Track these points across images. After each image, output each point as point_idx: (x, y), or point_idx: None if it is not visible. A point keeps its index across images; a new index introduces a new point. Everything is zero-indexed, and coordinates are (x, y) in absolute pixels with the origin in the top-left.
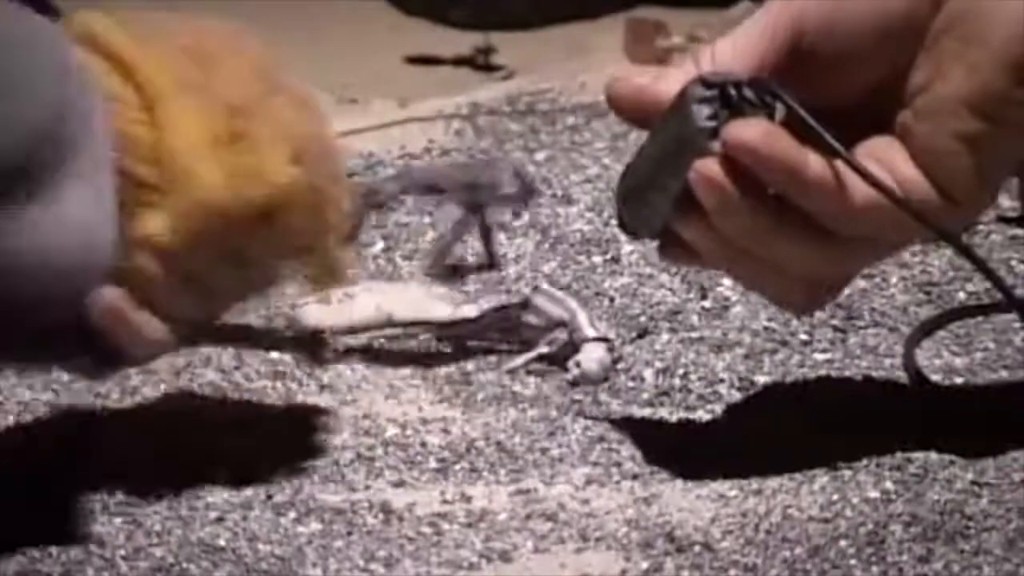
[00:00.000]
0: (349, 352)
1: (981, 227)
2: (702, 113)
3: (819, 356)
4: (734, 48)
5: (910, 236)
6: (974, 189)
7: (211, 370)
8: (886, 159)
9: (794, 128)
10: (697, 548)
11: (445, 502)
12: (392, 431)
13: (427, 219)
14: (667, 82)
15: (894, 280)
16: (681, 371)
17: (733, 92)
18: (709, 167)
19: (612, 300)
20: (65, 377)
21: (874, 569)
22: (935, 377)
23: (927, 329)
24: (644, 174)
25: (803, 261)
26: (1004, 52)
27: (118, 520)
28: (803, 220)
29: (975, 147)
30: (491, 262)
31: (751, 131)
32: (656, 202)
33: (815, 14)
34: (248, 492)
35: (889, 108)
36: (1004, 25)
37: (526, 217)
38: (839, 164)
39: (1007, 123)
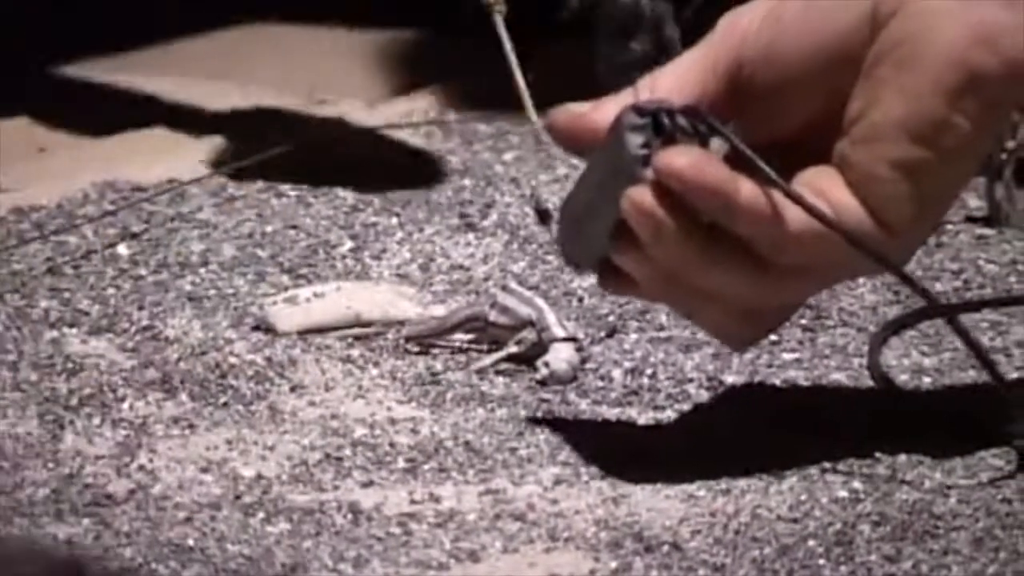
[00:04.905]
0: (318, 352)
1: (949, 227)
2: (635, 141)
3: (788, 356)
4: (675, 77)
5: (847, 265)
6: (911, 217)
7: None
8: (823, 187)
9: (735, 160)
10: (666, 548)
11: (414, 502)
12: (361, 431)
13: (394, 219)
14: (604, 111)
15: (863, 280)
16: (650, 371)
17: (666, 120)
18: (640, 195)
19: (581, 300)
20: (33, 376)
21: (843, 569)
22: (904, 377)
23: (891, 330)
24: (581, 204)
25: (739, 289)
26: (939, 78)
27: (87, 521)
28: (738, 247)
29: (911, 174)
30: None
31: (682, 159)
32: (593, 232)
33: (754, 45)
34: (216, 492)
35: (829, 139)
36: (939, 52)
37: (494, 217)
38: (772, 191)
39: (943, 149)
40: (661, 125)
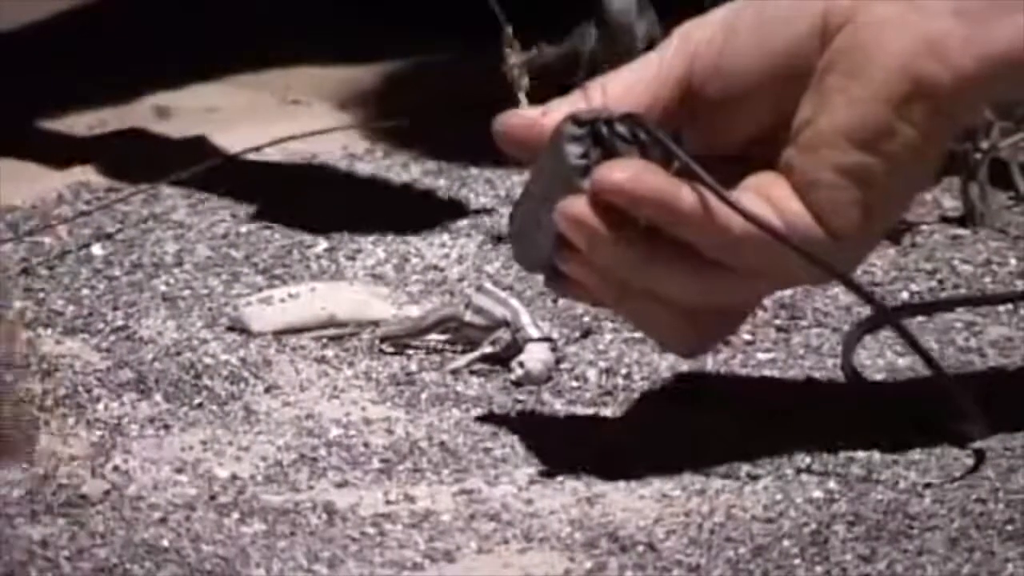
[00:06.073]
0: (293, 352)
1: (924, 227)
2: (573, 152)
3: (762, 356)
4: (625, 84)
5: (793, 269)
6: (857, 223)
7: None
8: (769, 193)
9: (681, 169)
10: (641, 548)
11: (388, 502)
12: (335, 431)
13: (368, 220)
14: (554, 116)
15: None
16: (624, 371)
17: (604, 130)
18: (573, 207)
19: (555, 300)
20: (8, 376)
21: (817, 569)
22: (878, 377)
23: (864, 329)
24: (527, 210)
25: (683, 290)
26: (886, 86)
27: (61, 521)
28: (680, 249)
29: (856, 179)
30: None
31: (620, 173)
32: (539, 238)
33: (706, 54)
34: (191, 492)
35: (780, 150)
36: (887, 60)
37: (469, 217)
38: (714, 196)
39: (888, 156)
40: (600, 135)
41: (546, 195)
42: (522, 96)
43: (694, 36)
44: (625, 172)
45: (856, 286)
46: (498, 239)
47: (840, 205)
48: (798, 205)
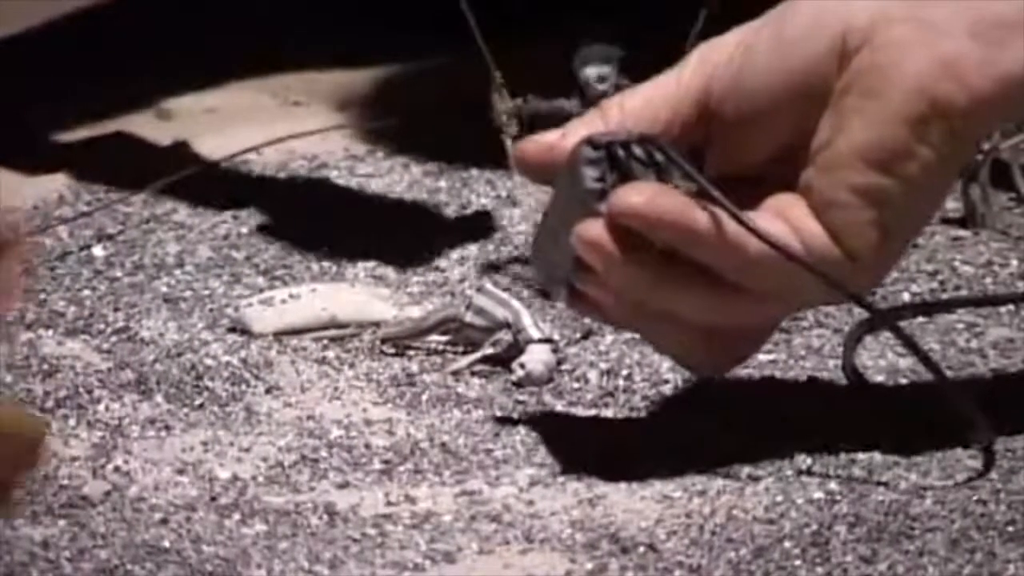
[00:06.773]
0: (294, 353)
1: (925, 228)
2: (590, 175)
3: (763, 357)
4: (644, 100)
5: (810, 289)
6: (874, 244)
7: None
8: (788, 214)
9: (699, 191)
10: (642, 549)
11: (389, 503)
12: (336, 432)
13: (369, 220)
14: (573, 138)
15: None
16: (625, 372)
17: (620, 153)
18: (589, 230)
19: None
20: (8, 378)
21: (818, 570)
22: (879, 378)
23: (864, 329)
24: (547, 232)
25: (700, 312)
26: (904, 107)
27: (62, 522)
28: (696, 269)
29: (874, 201)
30: None
31: (636, 197)
32: (558, 258)
33: (724, 73)
34: (192, 493)
35: (798, 171)
36: (905, 82)
37: (469, 219)
38: (730, 218)
39: (905, 177)
40: (616, 158)
41: (564, 217)
42: (508, 141)
43: (712, 56)
44: (641, 196)
45: (858, 298)
46: (494, 267)
47: (857, 226)
48: (816, 225)
